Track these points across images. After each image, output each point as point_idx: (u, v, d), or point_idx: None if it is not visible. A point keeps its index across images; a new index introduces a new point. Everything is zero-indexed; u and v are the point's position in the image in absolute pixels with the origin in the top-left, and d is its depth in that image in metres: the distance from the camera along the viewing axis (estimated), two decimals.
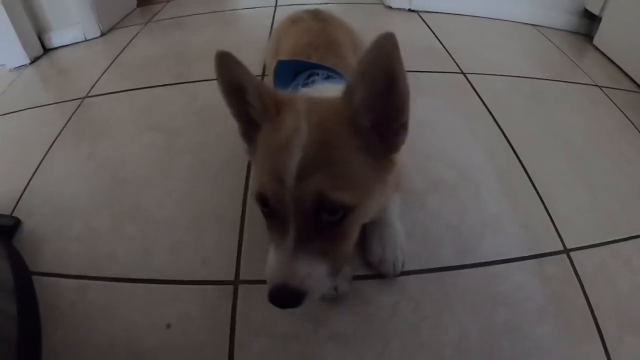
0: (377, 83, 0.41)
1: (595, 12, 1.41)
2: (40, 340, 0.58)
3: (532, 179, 0.78)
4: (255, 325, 0.56)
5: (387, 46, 0.39)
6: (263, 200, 0.43)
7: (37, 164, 0.93)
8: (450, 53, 1.24)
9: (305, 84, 0.64)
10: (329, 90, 0.57)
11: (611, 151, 0.91)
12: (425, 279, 0.60)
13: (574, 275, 0.62)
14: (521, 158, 0.83)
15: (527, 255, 0.65)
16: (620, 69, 1.28)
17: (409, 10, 1.58)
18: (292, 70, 0.69)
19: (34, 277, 0.67)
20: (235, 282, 0.61)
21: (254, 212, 0.72)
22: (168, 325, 0.57)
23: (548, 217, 0.72)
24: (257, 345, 0.53)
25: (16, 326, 0.55)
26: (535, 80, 1.14)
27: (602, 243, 0.69)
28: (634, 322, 0.57)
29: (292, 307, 0.42)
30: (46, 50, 1.61)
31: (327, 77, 0.65)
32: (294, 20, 0.93)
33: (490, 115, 0.96)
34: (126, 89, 1.19)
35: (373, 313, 0.55)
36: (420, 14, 1.56)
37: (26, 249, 0.72)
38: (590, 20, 1.47)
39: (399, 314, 0.55)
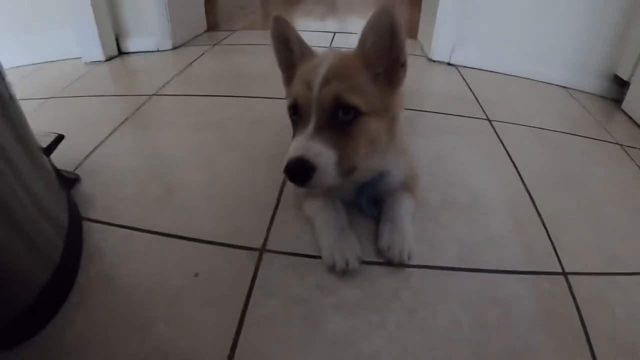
0: (382, 34, 0.62)
1: (625, 77, 1.53)
2: (76, 268, 0.70)
3: (540, 212, 0.88)
4: (271, 287, 0.66)
5: (388, 9, 0.60)
6: (294, 107, 0.63)
7: (104, 138, 1.12)
8: (480, 102, 1.41)
9: None
10: None
11: (623, 199, 0.98)
12: (427, 273, 0.70)
13: (570, 295, 0.69)
14: (532, 194, 0.93)
15: (525, 270, 0.73)
16: None
17: (448, 64, 1.79)
18: None
19: (85, 222, 0.81)
20: (262, 250, 0.73)
21: (288, 200, 0.86)
22: (196, 274, 0.68)
23: (550, 243, 0.80)
24: (270, 303, 0.64)
25: (59, 254, 0.68)
26: (556, 132, 1.26)
27: (602, 273, 0.75)
28: (628, 349, 0.62)
29: (303, 182, 0.58)
30: (120, 52, 1.90)
31: None
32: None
33: (507, 156, 1.08)
34: (189, 93, 1.40)
35: (376, 292, 0.65)
36: (458, 68, 1.76)
37: (81, 199, 0.87)
38: (620, 86, 1.59)
39: (398, 297, 0.64)
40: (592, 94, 1.64)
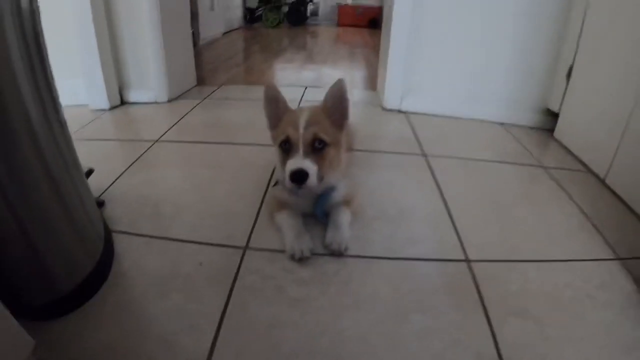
0: (335, 98, 1.05)
1: (555, 110, 1.88)
2: (111, 263, 1.01)
3: (453, 218, 1.23)
4: (252, 269, 0.99)
5: (340, 85, 1.04)
6: (285, 141, 1.02)
7: (120, 173, 1.47)
8: (420, 141, 1.81)
9: None
10: None
11: (532, 206, 1.30)
12: (359, 260, 1.04)
13: (470, 275, 0.99)
14: (449, 206, 1.29)
15: (434, 258, 1.06)
16: (573, 154, 1.69)
17: (399, 111, 2.21)
18: None
19: (113, 233, 1.14)
20: (245, 247, 1.07)
21: (264, 213, 1.21)
22: (200, 264, 1.01)
23: (458, 240, 1.13)
24: (250, 278, 0.96)
25: (100, 253, 0.98)
26: (482, 161, 1.64)
27: (501, 260, 1.03)
28: (519, 310, 0.86)
29: (302, 182, 0.97)
30: (123, 102, 2.27)
31: None
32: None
33: (434, 180, 1.46)
34: (186, 140, 1.78)
35: (322, 272, 0.98)
36: (407, 114, 2.19)
37: (108, 218, 1.20)
38: (552, 117, 1.91)
39: (338, 274, 0.98)
40: (528, 126, 2.03)
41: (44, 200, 0.81)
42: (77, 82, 2.13)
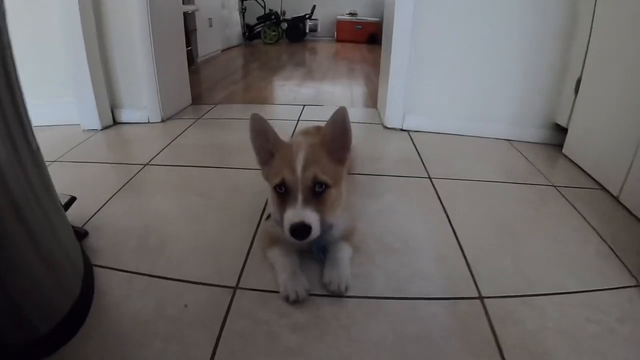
0: (336, 130, 0.95)
1: (564, 124, 1.81)
2: (90, 303, 0.93)
3: (462, 248, 1.14)
4: (242, 312, 0.90)
5: (342, 114, 0.94)
6: (281, 184, 0.90)
7: (106, 200, 1.39)
8: (424, 162, 1.74)
9: None
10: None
11: (544, 231, 1.22)
12: (361, 301, 0.94)
13: (484, 314, 0.91)
14: (457, 235, 1.20)
15: (444, 296, 0.97)
16: (584, 171, 1.62)
17: (401, 129, 2.14)
18: None
19: (96, 269, 1.05)
20: (236, 287, 0.98)
21: (256, 249, 1.12)
22: (185, 305, 0.93)
23: (469, 274, 1.04)
24: (241, 323, 0.87)
25: (78, 291, 0.91)
26: (491, 182, 1.55)
27: (516, 295, 0.95)
28: (538, 353, 0.81)
29: (304, 237, 0.86)
30: (115, 122, 2.21)
31: None
32: (305, 132, 1.47)
33: (441, 206, 1.38)
34: (177, 164, 1.70)
35: (319, 315, 0.89)
36: (410, 132, 2.12)
37: (90, 250, 1.11)
38: (560, 132, 1.86)
39: (337, 318, 0.89)
40: (536, 142, 1.96)
41: (9, 236, 0.74)
42: (68, 102, 2.09)
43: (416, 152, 1.86)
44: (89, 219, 1.28)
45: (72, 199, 1.25)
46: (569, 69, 1.82)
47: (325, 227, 0.92)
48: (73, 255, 0.97)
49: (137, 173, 1.59)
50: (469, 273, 1.06)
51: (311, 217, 0.86)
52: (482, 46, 1.92)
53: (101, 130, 2.11)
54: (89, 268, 1.03)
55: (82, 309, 0.91)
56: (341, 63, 4.87)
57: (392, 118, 2.15)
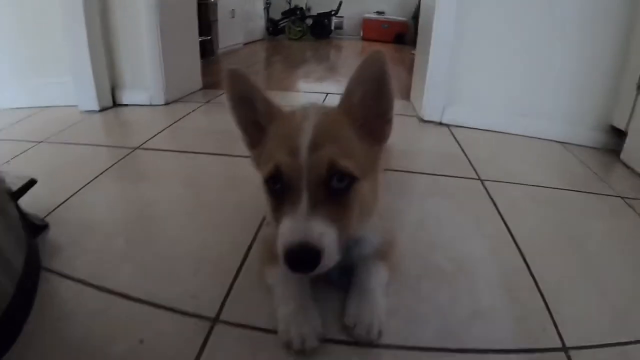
0: (370, 86, 0.58)
1: (622, 127, 1.53)
2: (25, 318, 0.66)
3: (535, 278, 0.82)
4: None
5: (378, 58, 0.57)
6: (275, 176, 0.55)
7: (80, 187, 1.11)
8: (471, 161, 1.40)
9: None
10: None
11: (626, 257, 0.93)
12: (401, 355, 0.62)
13: None
14: (526, 257, 0.88)
15: (518, 348, 0.66)
16: None
17: (440, 123, 1.82)
18: None
19: (44, 272, 0.77)
20: (215, 320, 0.67)
21: (251, 265, 0.81)
22: (141, 341, 0.62)
23: (548, 314, 0.73)
24: None
25: (8, 300, 0.64)
26: (552, 189, 1.23)
27: (609, 344, 0.68)
28: None
29: (310, 269, 0.50)
30: (115, 104, 1.95)
31: None
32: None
33: (499, 217, 1.04)
34: (172, 149, 1.42)
35: None
36: (450, 127, 1.78)
37: (46, 248, 0.85)
38: (617, 137, 1.59)
39: None
40: (588, 146, 1.64)
41: None
42: (66, 81, 1.86)
43: (460, 149, 1.52)
44: (55, 209, 1.01)
45: (31, 182, 0.97)
46: (629, 64, 1.52)
47: (349, 244, 0.59)
48: (7, 253, 0.70)
49: (122, 158, 1.31)
50: (546, 312, 0.74)
51: (320, 233, 0.51)
52: (534, 36, 1.65)
53: (99, 111, 1.86)
54: (31, 272, 0.75)
55: (12, 325, 0.64)
56: None
57: (430, 110, 1.83)
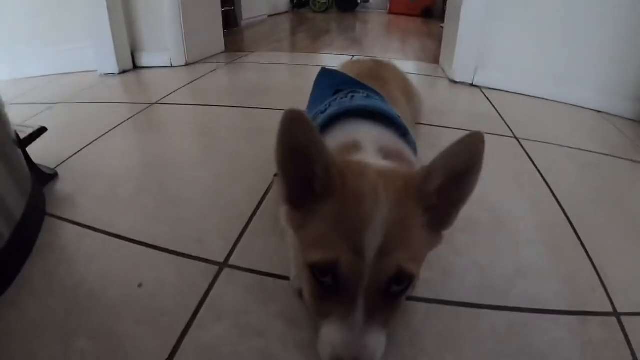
0: (455, 174, 0.45)
1: None
2: (22, 262, 0.61)
3: (581, 238, 0.71)
4: (223, 309, 0.52)
5: (476, 145, 0.44)
6: (329, 269, 0.43)
7: (93, 139, 1.05)
8: (506, 121, 1.27)
9: (343, 98, 0.68)
10: (372, 134, 0.58)
11: None
12: (436, 310, 0.54)
13: (626, 343, 0.52)
14: (569, 216, 0.77)
15: (567, 309, 0.56)
16: None
17: (471, 85, 1.67)
18: (333, 86, 0.74)
19: (49, 219, 0.72)
20: (223, 264, 0.59)
21: (267, 210, 0.73)
22: (140, 285, 0.56)
23: (597, 276, 0.63)
24: (217, 328, 0.49)
25: (3, 243, 0.59)
26: (594, 153, 1.09)
27: None
28: None
29: None
30: (135, 66, 1.88)
31: (367, 97, 0.69)
32: (355, 61, 1.02)
33: (539, 175, 0.92)
34: (191, 103, 1.34)
35: None
36: (482, 89, 1.64)
37: (54, 196, 0.80)
38: None
39: (392, 339, 0.48)
40: (627, 118, 1.46)
41: None
42: (85, 46, 1.79)
43: (494, 109, 1.38)
44: (66, 160, 0.96)
45: (40, 130, 0.92)
46: None
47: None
48: (6, 199, 0.63)
49: (139, 112, 1.24)
50: (594, 273, 0.64)
51: (376, 348, 0.43)
52: (567, 1, 1.48)
53: (119, 74, 1.79)
54: (33, 218, 0.70)
55: (7, 269, 0.59)
56: (394, 33, 4.34)
57: (462, 71, 1.67)
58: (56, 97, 1.45)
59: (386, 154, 0.54)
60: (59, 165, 0.93)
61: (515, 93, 1.61)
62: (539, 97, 1.58)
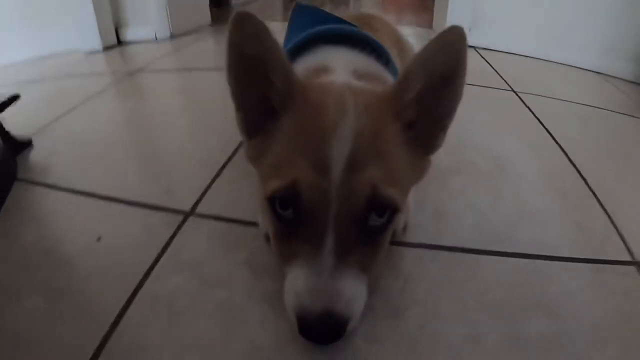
0: (434, 78, 0.37)
1: None
2: None
3: (589, 184, 0.65)
4: (185, 259, 0.47)
5: (456, 40, 0.36)
6: (290, 198, 0.34)
7: (72, 107, 0.99)
8: (504, 78, 1.19)
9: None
10: (345, 58, 0.49)
11: None
12: (433, 255, 0.48)
13: None
14: (577, 165, 0.70)
15: (580, 257, 0.50)
16: None
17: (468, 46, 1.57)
18: (311, 25, 0.65)
19: (19, 183, 0.66)
20: (188, 214, 0.53)
21: (241, 157, 0.66)
22: (98, 239, 0.50)
23: (611, 224, 0.56)
24: (175, 279, 0.44)
25: None
26: (596, 108, 1.02)
27: None
28: None
29: (334, 341, 0.35)
30: (120, 42, 1.79)
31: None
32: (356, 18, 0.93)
33: (539, 123, 0.86)
34: (173, 68, 1.27)
35: None
36: (477, 49, 1.56)
37: (27, 162, 0.74)
38: None
39: (385, 288, 0.42)
40: (627, 80, 1.35)
41: None
42: (65, 25, 1.67)
43: (489, 66, 1.30)
44: (43, 127, 0.89)
45: (14, 97, 0.86)
46: None
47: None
48: None
49: (121, 81, 1.17)
50: (607, 219, 0.57)
51: (351, 295, 0.34)
52: None
53: (103, 50, 1.70)
54: (3, 182, 0.64)
55: None
56: (388, 8, 4.21)
57: None
58: (38, 75, 1.37)
59: (361, 76, 0.46)
60: (35, 133, 0.86)
61: (512, 53, 1.53)
62: (536, 57, 1.50)
